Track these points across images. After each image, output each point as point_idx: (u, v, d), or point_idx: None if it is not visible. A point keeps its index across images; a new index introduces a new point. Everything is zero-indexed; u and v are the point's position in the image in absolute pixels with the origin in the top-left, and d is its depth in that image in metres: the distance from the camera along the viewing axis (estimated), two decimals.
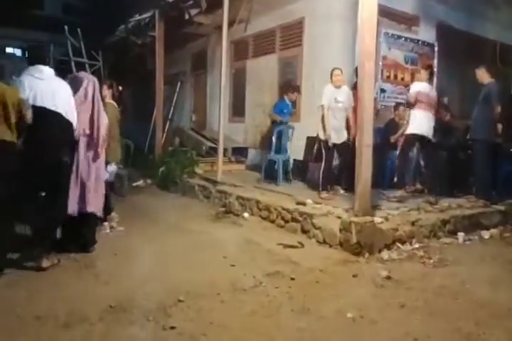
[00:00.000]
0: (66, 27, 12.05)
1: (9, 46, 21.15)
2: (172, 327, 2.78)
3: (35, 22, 19.65)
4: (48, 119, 3.80)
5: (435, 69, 8.07)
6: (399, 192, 5.93)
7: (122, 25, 11.70)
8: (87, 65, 12.31)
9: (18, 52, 21.97)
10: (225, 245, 4.69)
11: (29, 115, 3.68)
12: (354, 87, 6.31)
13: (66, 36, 12.18)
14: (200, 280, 3.60)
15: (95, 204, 4.27)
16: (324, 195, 5.74)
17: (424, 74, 6.20)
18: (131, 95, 15.30)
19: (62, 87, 4.01)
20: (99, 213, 4.39)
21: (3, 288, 3.38)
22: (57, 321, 2.85)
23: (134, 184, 8.39)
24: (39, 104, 3.78)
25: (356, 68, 6.16)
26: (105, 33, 12.78)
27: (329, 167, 5.88)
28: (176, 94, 12.31)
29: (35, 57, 4.07)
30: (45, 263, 3.77)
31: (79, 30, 12.21)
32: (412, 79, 7.77)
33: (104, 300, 3.14)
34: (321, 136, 5.91)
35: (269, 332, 2.79)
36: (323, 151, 5.92)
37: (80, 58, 12.18)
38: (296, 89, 7.63)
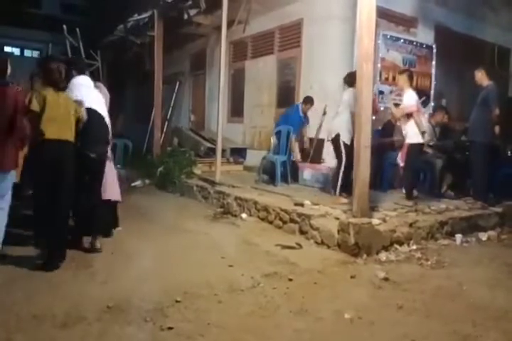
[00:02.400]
0: (65, 26, 12.03)
1: (7, 45, 21.09)
2: (169, 328, 2.77)
3: (33, 21, 19.60)
4: (96, 120, 4.37)
5: (433, 71, 8.14)
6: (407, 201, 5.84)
7: (121, 25, 11.69)
8: None
9: (16, 51, 21.91)
10: (223, 245, 4.69)
11: (85, 114, 4.18)
12: None
13: (65, 35, 12.17)
14: (197, 280, 3.60)
15: (115, 193, 4.90)
16: (343, 200, 5.46)
17: (403, 78, 5.93)
18: (130, 95, 15.31)
19: (99, 94, 4.61)
20: (119, 199, 5.00)
21: (1, 287, 3.37)
22: (55, 320, 2.84)
23: (133, 184, 8.38)
24: (91, 106, 4.32)
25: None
26: (104, 33, 12.76)
27: (350, 172, 5.41)
28: (174, 95, 12.31)
29: (80, 68, 4.66)
30: (98, 245, 4.38)
31: (77, 29, 12.21)
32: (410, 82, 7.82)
33: (102, 300, 3.13)
34: (347, 140, 5.61)
35: (266, 332, 2.79)
36: (344, 155, 5.60)
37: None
38: (311, 101, 7.33)
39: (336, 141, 5.75)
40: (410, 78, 5.94)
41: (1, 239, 3.80)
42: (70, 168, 3.99)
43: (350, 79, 5.64)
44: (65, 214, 4.10)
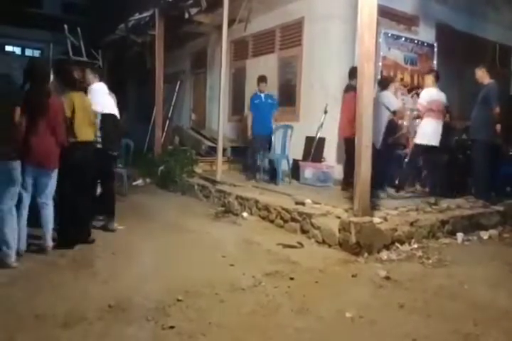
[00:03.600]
0: (66, 26, 12.02)
1: (9, 44, 21.13)
2: (171, 327, 2.78)
3: (34, 20, 19.60)
4: (113, 123, 4.98)
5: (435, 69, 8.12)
6: (400, 193, 5.95)
7: (122, 24, 11.67)
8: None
9: (17, 50, 21.95)
10: (224, 244, 4.69)
11: (98, 119, 4.78)
12: (345, 90, 6.33)
13: (66, 35, 12.15)
14: (199, 279, 3.60)
15: None
16: None
17: (430, 78, 6.16)
18: (131, 94, 15.31)
19: (111, 98, 5.15)
20: None
21: (3, 287, 3.38)
22: (56, 320, 2.85)
23: (134, 183, 8.39)
24: (110, 111, 4.93)
25: (350, 70, 6.21)
26: (105, 32, 12.74)
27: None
28: (175, 93, 12.29)
29: (98, 74, 5.13)
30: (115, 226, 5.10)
31: (79, 28, 12.19)
32: (412, 80, 7.81)
33: (103, 300, 3.14)
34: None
35: (267, 331, 2.79)
36: None
37: (79, 57, 12.15)
38: (261, 79, 7.57)
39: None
40: (436, 78, 6.16)
41: (49, 233, 4.19)
42: (92, 163, 4.58)
43: (384, 83, 6.24)
44: (89, 199, 4.71)
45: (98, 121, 4.79)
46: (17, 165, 3.76)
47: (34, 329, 2.75)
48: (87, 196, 4.65)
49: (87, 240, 4.54)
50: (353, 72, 6.11)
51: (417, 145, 5.94)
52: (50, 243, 4.19)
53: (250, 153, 7.51)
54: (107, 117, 4.87)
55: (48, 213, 4.18)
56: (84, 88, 4.72)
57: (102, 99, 4.89)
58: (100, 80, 5.13)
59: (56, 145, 4.09)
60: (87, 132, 4.51)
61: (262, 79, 7.57)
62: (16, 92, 3.91)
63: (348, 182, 5.75)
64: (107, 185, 5.24)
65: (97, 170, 4.84)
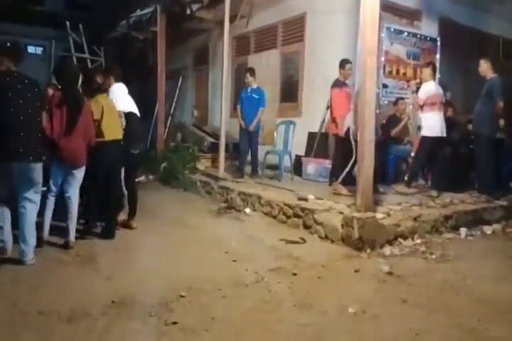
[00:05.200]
0: (68, 23, 12.02)
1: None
2: (174, 323, 2.78)
3: (37, 18, 19.58)
4: (137, 122, 5.12)
5: (437, 64, 8.08)
6: (403, 188, 5.95)
7: (124, 21, 11.67)
8: (88, 61, 12.30)
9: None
10: (227, 240, 4.69)
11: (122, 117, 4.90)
12: (332, 85, 6.19)
13: (68, 32, 12.15)
14: (201, 275, 3.61)
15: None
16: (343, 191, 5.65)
17: (427, 71, 6.09)
18: (133, 91, 15.31)
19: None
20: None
21: (7, 283, 3.39)
22: (60, 316, 2.85)
23: (136, 179, 8.36)
24: (131, 110, 5.02)
25: (341, 62, 6.10)
26: (107, 29, 12.74)
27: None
28: (177, 90, 12.30)
29: (117, 75, 5.18)
30: (134, 224, 5.14)
31: (80, 25, 12.19)
32: (415, 75, 7.76)
33: (107, 296, 3.15)
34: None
35: (270, 327, 2.79)
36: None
37: (81, 54, 12.17)
38: (245, 71, 7.40)
39: None
40: (434, 71, 6.13)
41: (74, 227, 4.32)
42: (120, 161, 4.81)
43: None
44: (117, 194, 4.92)
45: (123, 120, 4.88)
46: (35, 166, 3.71)
47: (38, 324, 2.76)
48: (117, 189, 4.92)
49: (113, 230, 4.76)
50: (341, 64, 6.10)
51: (426, 138, 5.90)
52: (73, 238, 4.30)
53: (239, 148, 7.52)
54: (129, 116, 4.97)
55: (74, 207, 4.31)
56: (106, 90, 4.85)
57: (123, 98, 5.00)
58: (119, 80, 5.16)
59: (84, 143, 4.26)
60: (115, 131, 4.67)
61: (246, 71, 7.38)
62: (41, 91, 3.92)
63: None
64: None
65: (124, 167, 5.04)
